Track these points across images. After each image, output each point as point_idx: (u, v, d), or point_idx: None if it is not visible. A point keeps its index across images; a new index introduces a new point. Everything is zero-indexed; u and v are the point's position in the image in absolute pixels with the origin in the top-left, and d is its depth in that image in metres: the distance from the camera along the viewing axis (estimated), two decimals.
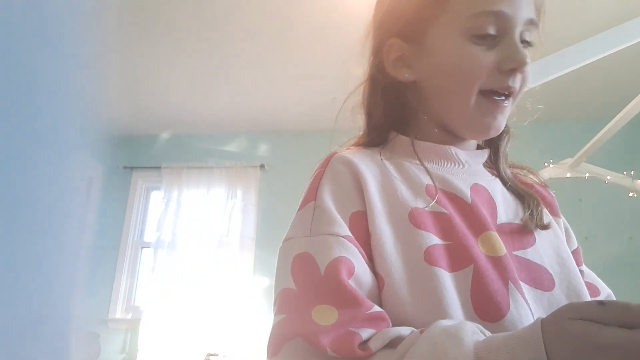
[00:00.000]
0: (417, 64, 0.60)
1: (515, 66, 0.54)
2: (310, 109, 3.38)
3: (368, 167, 0.56)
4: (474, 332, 0.41)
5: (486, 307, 0.47)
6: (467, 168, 0.60)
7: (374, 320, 0.45)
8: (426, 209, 0.53)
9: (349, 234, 0.51)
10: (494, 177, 0.62)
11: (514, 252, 0.54)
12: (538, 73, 1.54)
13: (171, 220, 3.46)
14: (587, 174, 2.33)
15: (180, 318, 3.17)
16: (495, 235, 0.53)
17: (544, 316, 0.39)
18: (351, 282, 0.47)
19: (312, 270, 0.48)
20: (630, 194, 2.31)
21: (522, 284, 0.51)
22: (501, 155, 0.65)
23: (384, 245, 0.50)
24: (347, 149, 0.62)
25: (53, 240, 0.23)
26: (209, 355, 2.87)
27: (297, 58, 2.82)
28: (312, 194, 0.55)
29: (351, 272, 0.48)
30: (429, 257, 0.49)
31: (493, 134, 0.59)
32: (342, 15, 2.43)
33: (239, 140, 3.71)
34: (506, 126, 0.64)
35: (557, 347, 0.35)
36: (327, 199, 0.53)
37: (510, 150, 0.67)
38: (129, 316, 3.34)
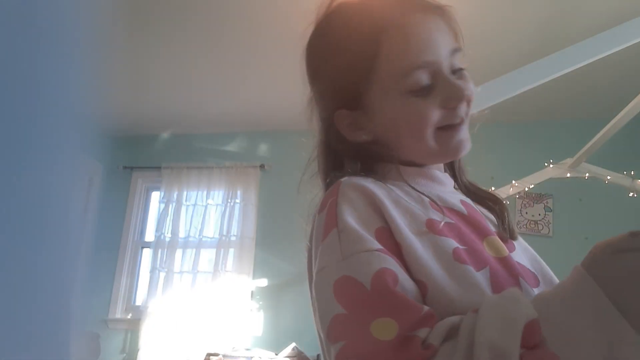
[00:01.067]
0: (369, 125, 0.64)
1: (458, 102, 0.59)
2: None
3: (376, 187, 0.58)
4: (522, 295, 0.45)
5: None
6: (448, 187, 0.65)
7: (426, 319, 0.46)
8: (437, 219, 0.56)
9: (381, 246, 0.51)
10: (464, 196, 0.67)
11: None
12: (538, 73, 1.54)
13: (171, 220, 3.46)
14: (587, 174, 2.33)
15: (180, 318, 3.17)
16: (496, 238, 0.57)
17: None
18: (399, 290, 0.47)
19: (357, 289, 0.48)
20: (630, 194, 2.31)
21: None
22: (459, 168, 0.71)
23: (416, 252, 0.51)
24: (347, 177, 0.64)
25: (53, 240, 0.23)
26: (209, 355, 2.87)
27: (297, 58, 2.82)
28: (333, 222, 0.55)
29: (396, 281, 0.48)
30: (457, 256, 0.52)
31: (465, 151, 0.63)
32: None
33: (238, 140, 3.72)
34: None
35: (609, 282, 0.39)
36: (349, 220, 0.53)
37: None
38: (129, 316, 3.34)
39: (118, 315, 3.31)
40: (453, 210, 0.59)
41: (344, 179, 0.60)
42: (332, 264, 0.51)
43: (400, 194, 0.59)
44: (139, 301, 3.41)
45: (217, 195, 3.56)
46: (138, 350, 3.13)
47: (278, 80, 3.06)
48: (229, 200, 3.49)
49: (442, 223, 0.55)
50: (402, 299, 0.46)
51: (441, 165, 0.68)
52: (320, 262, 0.53)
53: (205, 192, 3.55)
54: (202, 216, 3.48)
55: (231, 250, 3.38)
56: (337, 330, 0.48)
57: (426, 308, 0.46)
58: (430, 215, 0.56)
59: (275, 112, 3.44)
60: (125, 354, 3.23)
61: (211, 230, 3.46)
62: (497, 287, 0.51)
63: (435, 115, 0.59)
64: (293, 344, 2.86)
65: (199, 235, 3.43)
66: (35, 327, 0.21)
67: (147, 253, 3.54)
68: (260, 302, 3.26)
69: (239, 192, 3.52)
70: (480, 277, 0.51)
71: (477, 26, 2.30)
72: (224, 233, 3.40)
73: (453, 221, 0.57)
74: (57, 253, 0.23)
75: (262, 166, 3.57)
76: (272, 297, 3.25)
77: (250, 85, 3.12)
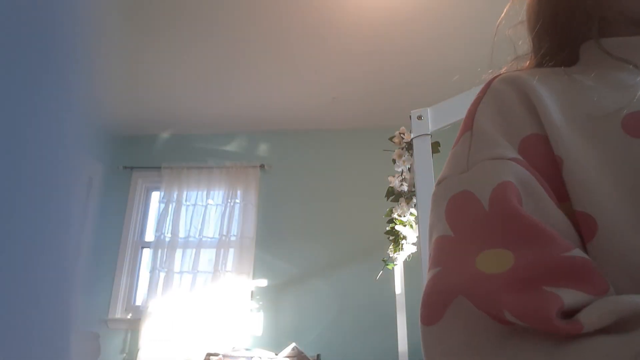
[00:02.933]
0: None
1: None
2: (310, 109, 3.38)
3: (546, 81, 0.42)
4: None
5: None
6: None
7: (580, 274, 0.29)
8: None
9: (519, 156, 0.37)
10: None
11: None
12: None
13: (171, 220, 3.46)
14: None
15: (180, 318, 3.17)
16: None
17: None
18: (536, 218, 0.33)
19: (473, 208, 0.35)
20: None
21: None
22: None
23: (587, 171, 0.35)
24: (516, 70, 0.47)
25: (53, 240, 0.23)
26: (209, 355, 2.87)
27: (296, 58, 2.82)
28: (469, 123, 0.42)
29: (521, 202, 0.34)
30: None
31: None
32: (341, 15, 2.43)
33: (238, 140, 3.72)
34: None
35: None
36: (487, 122, 0.41)
37: None
38: (129, 316, 3.34)
39: (118, 315, 3.31)
40: None
41: (505, 73, 0.45)
42: (454, 176, 0.39)
43: (592, 84, 0.41)
44: (138, 301, 3.41)
45: (217, 195, 3.56)
46: (138, 350, 3.13)
47: (278, 81, 3.06)
48: (229, 200, 3.49)
49: None
50: (529, 223, 0.31)
51: None
52: (443, 172, 0.41)
53: (205, 192, 3.56)
54: (202, 216, 3.48)
55: (231, 250, 3.38)
56: (436, 255, 0.37)
57: (579, 252, 0.30)
58: (636, 108, 0.37)
59: (275, 112, 3.44)
60: (125, 354, 3.23)
61: (211, 230, 3.46)
62: None
63: None
64: (293, 344, 2.86)
65: (199, 235, 3.43)
66: (35, 327, 0.21)
67: (147, 253, 3.54)
68: (260, 302, 3.26)
69: (239, 192, 3.52)
70: None
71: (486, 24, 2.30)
72: (224, 233, 3.40)
73: None
74: (57, 253, 0.23)
75: (262, 166, 3.57)
76: (272, 297, 3.25)
77: (250, 86, 3.12)
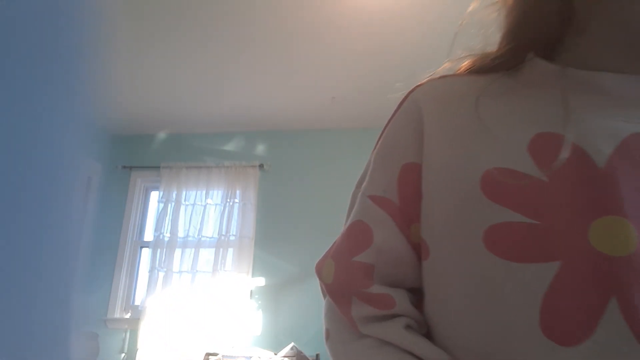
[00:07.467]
0: None
1: None
2: (310, 108, 3.38)
3: (449, 105, 0.43)
4: None
5: (558, 323, 0.32)
6: (621, 106, 0.37)
7: (372, 299, 0.43)
8: (516, 169, 0.36)
9: (379, 193, 0.44)
10: None
11: None
12: None
13: (170, 220, 3.46)
14: None
15: (179, 318, 3.17)
16: (623, 222, 0.32)
17: None
18: (363, 257, 0.43)
19: (346, 223, 0.49)
20: None
21: None
22: None
23: (435, 212, 0.40)
24: (454, 73, 0.48)
25: (52, 240, 0.23)
26: (208, 354, 2.87)
27: (296, 58, 2.82)
28: (378, 139, 0.48)
29: (369, 240, 0.43)
30: (490, 239, 0.36)
31: None
32: (341, 15, 2.43)
33: (237, 139, 3.72)
34: None
35: None
36: (381, 145, 0.47)
37: None
38: (128, 316, 3.34)
39: (117, 315, 3.31)
40: (580, 156, 0.35)
41: (433, 77, 0.46)
42: (357, 190, 0.49)
43: (490, 118, 0.40)
44: (137, 301, 3.41)
45: (216, 195, 3.56)
46: (137, 350, 3.13)
47: (277, 80, 3.05)
48: (228, 200, 3.49)
49: (516, 168, 0.36)
50: (351, 266, 0.44)
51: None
52: (361, 175, 0.50)
53: (204, 192, 3.55)
54: (201, 216, 3.48)
55: (230, 249, 3.37)
56: None
57: (378, 289, 0.42)
58: (504, 163, 0.36)
59: (275, 111, 3.44)
60: (124, 354, 3.23)
61: (210, 230, 3.46)
62: (557, 294, 0.32)
63: None
64: (292, 344, 2.86)
65: (198, 234, 3.43)
66: (34, 327, 0.21)
67: (146, 253, 3.53)
68: (259, 302, 3.26)
69: (238, 192, 3.52)
70: (518, 273, 0.34)
71: None
72: (223, 233, 3.40)
73: (544, 178, 0.35)
74: (56, 253, 0.23)
75: (261, 166, 3.57)
76: (271, 297, 3.25)
77: (249, 85, 3.12)
